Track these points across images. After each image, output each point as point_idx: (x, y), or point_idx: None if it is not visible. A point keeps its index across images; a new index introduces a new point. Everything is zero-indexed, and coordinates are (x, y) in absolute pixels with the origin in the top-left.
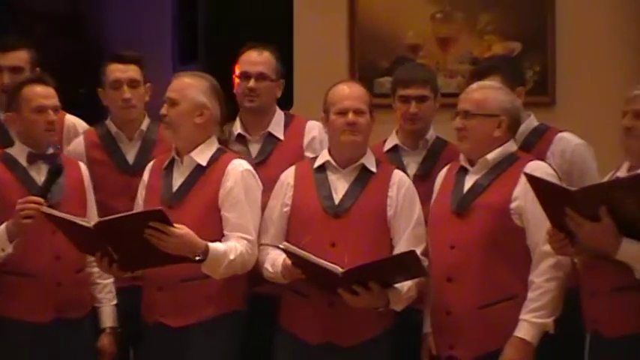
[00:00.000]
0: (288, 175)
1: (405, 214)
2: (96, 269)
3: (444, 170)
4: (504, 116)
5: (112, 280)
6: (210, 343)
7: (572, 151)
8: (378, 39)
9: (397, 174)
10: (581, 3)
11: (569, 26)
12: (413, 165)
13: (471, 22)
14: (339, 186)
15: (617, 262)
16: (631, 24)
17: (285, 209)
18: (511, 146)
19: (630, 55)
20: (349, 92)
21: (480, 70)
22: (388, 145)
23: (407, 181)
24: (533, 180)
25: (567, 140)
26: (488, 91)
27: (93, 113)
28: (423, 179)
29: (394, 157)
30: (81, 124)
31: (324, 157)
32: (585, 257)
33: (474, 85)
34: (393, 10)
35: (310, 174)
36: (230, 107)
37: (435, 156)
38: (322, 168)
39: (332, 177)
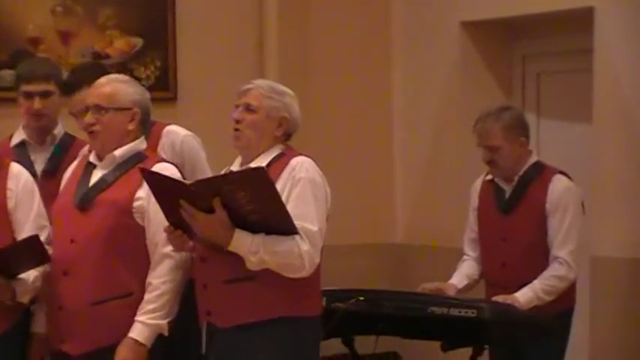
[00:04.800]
0: None
1: (25, 205)
2: None
3: (74, 164)
4: (137, 108)
5: None
6: None
7: (181, 143)
8: None
9: (15, 166)
10: (201, 0)
11: (189, 23)
12: (41, 161)
13: (92, 17)
14: None
15: (229, 255)
16: (249, 22)
17: None
18: (141, 144)
19: (249, 52)
20: None
21: (68, 86)
22: (15, 141)
23: (25, 173)
24: (148, 175)
25: (175, 133)
26: (118, 85)
27: None
28: (50, 175)
29: (21, 153)
30: None
31: None
32: (200, 251)
33: (103, 80)
34: (11, 2)
35: None
36: None
37: (63, 151)
38: None
39: None
